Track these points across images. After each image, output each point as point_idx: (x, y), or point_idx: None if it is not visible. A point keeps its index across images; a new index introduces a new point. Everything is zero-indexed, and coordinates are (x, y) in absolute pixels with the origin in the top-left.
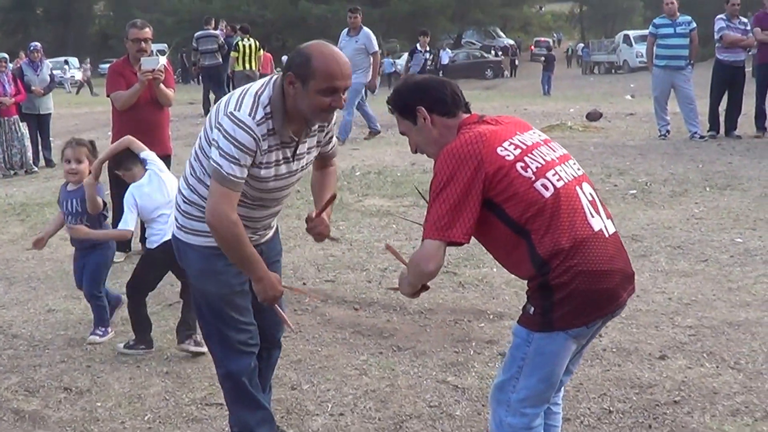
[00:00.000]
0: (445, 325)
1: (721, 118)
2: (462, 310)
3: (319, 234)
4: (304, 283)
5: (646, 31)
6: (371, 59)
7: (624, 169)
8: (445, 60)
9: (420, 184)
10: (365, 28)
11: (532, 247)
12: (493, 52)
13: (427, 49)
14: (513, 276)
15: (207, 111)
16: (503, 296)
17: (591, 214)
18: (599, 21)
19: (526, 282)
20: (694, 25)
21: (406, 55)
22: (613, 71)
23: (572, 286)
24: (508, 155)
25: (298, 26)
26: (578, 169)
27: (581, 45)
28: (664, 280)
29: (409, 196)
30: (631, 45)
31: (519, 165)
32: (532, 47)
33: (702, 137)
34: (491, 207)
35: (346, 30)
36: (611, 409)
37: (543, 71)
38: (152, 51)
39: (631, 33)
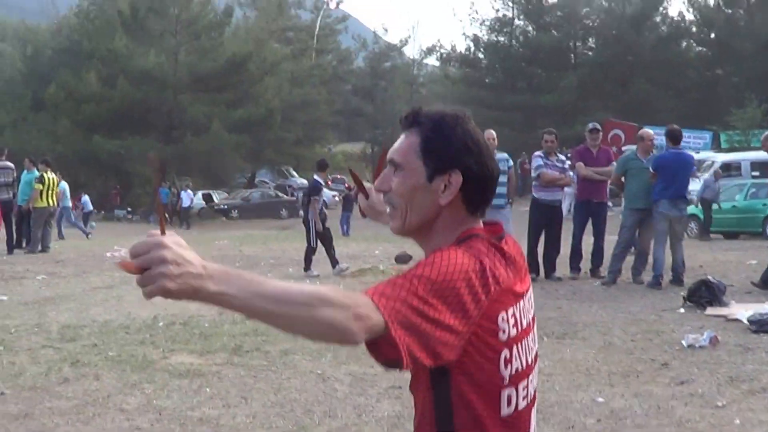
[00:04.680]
0: None
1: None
2: None
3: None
4: None
5: None
6: None
7: None
8: (186, 202)
9: (231, 338)
10: None
11: None
12: (289, 191)
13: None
14: None
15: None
16: None
17: None
18: None
19: None
20: (511, 162)
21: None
22: None
23: None
24: (504, 332)
25: (90, 161)
26: (536, 380)
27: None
28: None
29: (221, 351)
30: None
31: (505, 354)
32: (330, 182)
33: None
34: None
35: None
36: None
37: (342, 211)
38: None
39: None
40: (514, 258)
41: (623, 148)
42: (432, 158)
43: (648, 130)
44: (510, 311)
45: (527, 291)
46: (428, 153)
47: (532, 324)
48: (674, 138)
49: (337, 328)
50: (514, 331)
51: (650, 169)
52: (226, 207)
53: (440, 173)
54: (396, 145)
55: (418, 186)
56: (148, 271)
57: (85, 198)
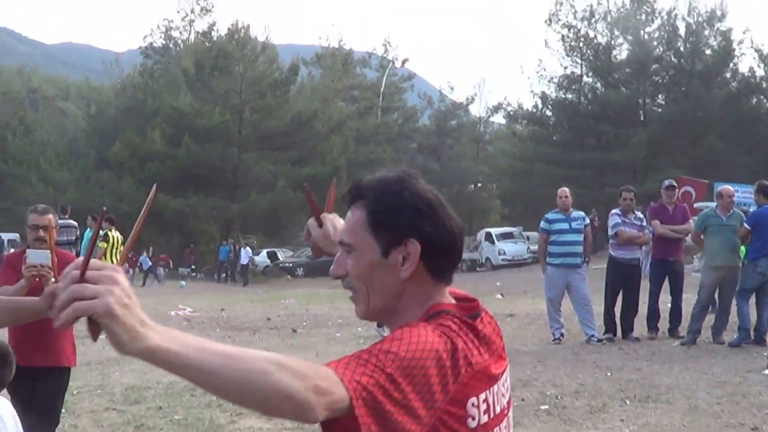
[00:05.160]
0: None
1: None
2: None
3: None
4: None
5: (509, 229)
6: None
7: (526, 379)
8: (244, 260)
9: None
10: None
11: None
12: None
13: None
14: None
15: None
16: None
17: None
18: None
19: None
20: (588, 220)
21: (264, 252)
22: (476, 269)
23: None
24: (474, 419)
25: (154, 220)
26: None
27: None
28: None
29: None
30: (493, 243)
31: None
32: None
33: (599, 340)
34: None
35: None
36: None
37: None
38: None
39: (493, 231)
40: (490, 337)
41: (694, 205)
42: (383, 231)
43: (728, 187)
44: (482, 396)
45: (503, 374)
46: (377, 226)
47: (506, 410)
48: (767, 193)
49: (294, 399)
50: (485, 418)
51: (746, 225)
52: (291, 265)
53: (395, 245)
54: (343, 224)
55: (374, 264)
56: (92, 286)
57: (144, 256)
